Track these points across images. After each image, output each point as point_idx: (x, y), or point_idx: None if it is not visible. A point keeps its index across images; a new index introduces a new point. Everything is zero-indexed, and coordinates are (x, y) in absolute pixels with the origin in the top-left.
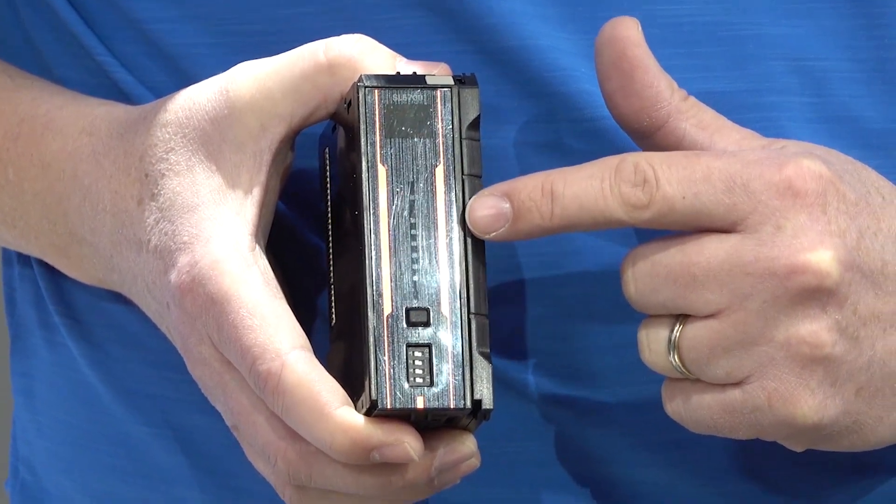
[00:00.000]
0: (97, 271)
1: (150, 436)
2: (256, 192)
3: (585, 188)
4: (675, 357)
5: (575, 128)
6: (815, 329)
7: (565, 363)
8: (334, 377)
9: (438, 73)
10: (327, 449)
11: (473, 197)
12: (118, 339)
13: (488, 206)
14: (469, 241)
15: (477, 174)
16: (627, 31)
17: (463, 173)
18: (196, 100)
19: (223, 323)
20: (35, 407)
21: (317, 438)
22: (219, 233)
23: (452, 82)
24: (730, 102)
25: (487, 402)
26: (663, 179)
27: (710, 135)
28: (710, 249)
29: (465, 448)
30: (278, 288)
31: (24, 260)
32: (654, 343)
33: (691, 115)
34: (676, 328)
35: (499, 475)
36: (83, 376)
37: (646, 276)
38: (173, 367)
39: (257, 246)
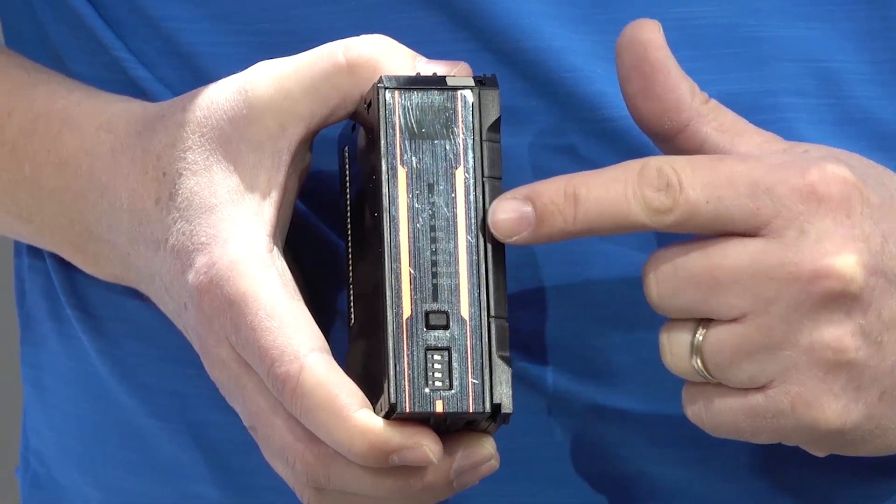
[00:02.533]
0: (114, 268)
1: (162, 430)
2: (275, 193)
3: (608, 192)
4: (698, 361)
5: (591, 128)
6: (839, 334)
7: (584, 361)
8: (353, 378)
9: (458, 72)
10: (346, 452)
11: (495, 200)
12: (132, 333)
13: (510, 210)
14: (489, 243)
15: (497, 176)
16: (649, 34)
17: (483, 175)
18: (214, 99)
19: (241, 325)
20: (45, 398)
21: (335, 441)
22: (236, 234)
23: (473, 83)
24: (744, 104)
25: (507, 406)
26: (686, 183)
27: (730, 138)
28: (734, 253)
29: (485, 451)
30: (296, 289)
31: (35, 251)
32: (675, 347)
33: (712, 119)
34: (699, 332)
35: (517, 472)
36: (95, 369)
37: (668, 279)
38: (189, 362)
39: (275, 247)
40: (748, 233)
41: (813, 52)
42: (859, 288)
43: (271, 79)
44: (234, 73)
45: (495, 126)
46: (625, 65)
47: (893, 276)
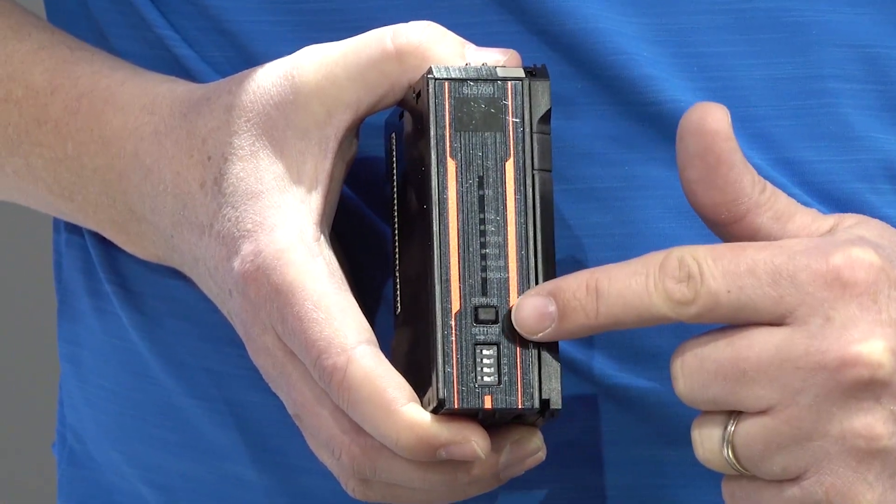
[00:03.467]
0: (157, 249)
1: (201, 409)
2: (321, 181)
3: (630, 285)
4: (730, 455)
5: (638, 112)
6: (870, 422)
7: (628, 345)
8: (399, 365)
9: (508, 60)
10: (393, 446)
11: (520, 297)
12: (172, 311)
13: (534, 307)
14: (539, 237)
15: (547, 168)
16: (716, 124)
17: (534, 168)
18: (261, 83)
19: (287, 315)
20: (82, 375)
21: (383, 435)
22: (283, 222)
23: (524, 75)
24: (791, 89)
25: (556, 402)
26: (707, 274)
27: (783, 225)
28: (760, 344)
29: (532, 444)
30: (343, 279)
31: (73, 227)
32: (707, 441)
33: (768, 208)
34: (730, 426)
35: (561, 456)
36: (133, 346)
37: (694, 372)
38: (229, 341)
39: (322, 236)
40: (773, 321)
41: (860, 37)
42: (888, 374)
43: (318, 64)
44: (279, 52)
45: (546, 118)
46: (688, 151)
47: None
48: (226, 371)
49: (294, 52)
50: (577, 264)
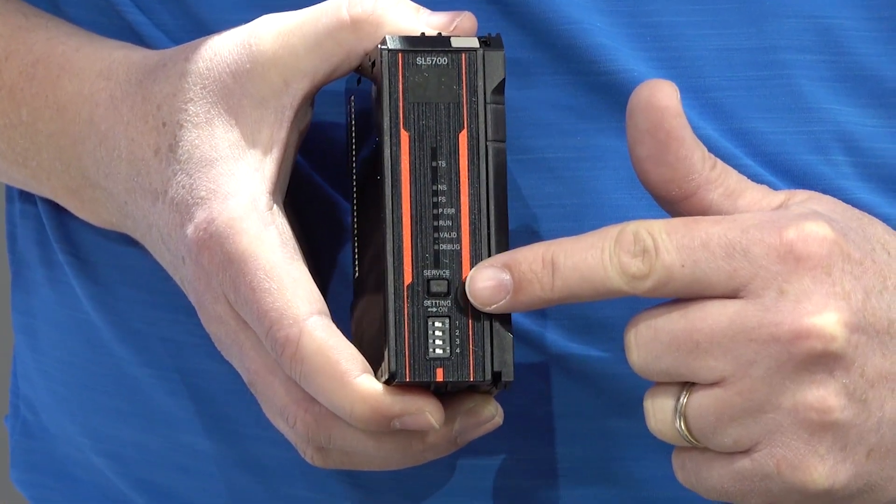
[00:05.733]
0: (110, 215)
1: (154, 378)
2: (276, 150)
3: (586, 259)
4: (682, 426)
5: (591, 82)
6: (822, 394)
7: (579, 315)
8: (359, 328)
9: (463, 21)
10: (347, 417)
11: (474, 268)
12: (126, 280)
13: (488, 278)
14: (492, 208)
15: (501, 139)
16: (667, 100)
17: (487, 139)
18: (217, 51)
19: (240, 284)
20: (36, 346)
21: (336, 406)
22: (237, 190)
23: (478, 45)
24: (745, 60)
25: (507, 374)
26: (662, 248)
27: (734, 201)
28: (713, 316)
29: (486, 412)
30: (296, 248)
31: (27, 197)
32: (659, 412)
33: (719, 185)
34: (682, 397)
35: (513, 427)
36: (87, 316)
37: (648, 342)
38: (182, 309)
39: (275, 204)
40: (727, 295)
41: (814, 8)
42: (841, 347)
43: (276, 34)
44: (231, 20)
45: (499, 88)
46: (638, 127)
47: (875, 332)
48: (179, 340)
49: (246, 20)
50: (529, 235)
